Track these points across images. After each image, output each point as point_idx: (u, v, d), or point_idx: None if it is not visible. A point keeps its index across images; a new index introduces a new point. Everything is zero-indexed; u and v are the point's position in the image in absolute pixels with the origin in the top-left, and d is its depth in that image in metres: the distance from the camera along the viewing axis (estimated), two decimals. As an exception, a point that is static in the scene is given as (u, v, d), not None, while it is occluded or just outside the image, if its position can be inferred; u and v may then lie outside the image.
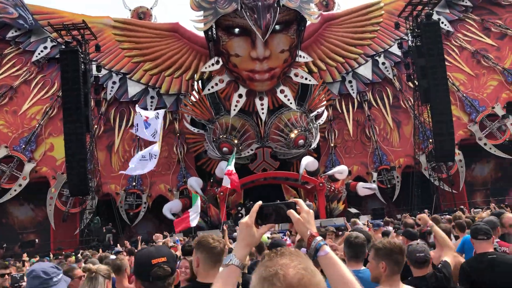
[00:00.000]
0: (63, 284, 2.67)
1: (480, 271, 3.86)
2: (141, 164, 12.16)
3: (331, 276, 1.63)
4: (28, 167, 22.89)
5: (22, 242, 21.54)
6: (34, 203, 23.99)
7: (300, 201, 1.82)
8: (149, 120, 11.86)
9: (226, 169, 16.52)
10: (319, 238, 1.71)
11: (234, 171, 16.22)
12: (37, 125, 23.30)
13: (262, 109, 21.36)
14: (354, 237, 3.74)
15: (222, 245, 2.77)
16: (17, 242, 22.02)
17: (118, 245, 14.05)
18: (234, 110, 21.27)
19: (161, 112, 12.29)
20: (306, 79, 22.11)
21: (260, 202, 1.83)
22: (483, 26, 25.94)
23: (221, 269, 1.82)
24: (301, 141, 21.72)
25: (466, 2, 25.88)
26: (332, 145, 24.74)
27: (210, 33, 20.86)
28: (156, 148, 13.52)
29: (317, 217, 20.51)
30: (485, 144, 24.71)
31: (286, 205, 1.81)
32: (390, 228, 7.86)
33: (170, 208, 22.12)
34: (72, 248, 19.03)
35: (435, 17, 23.99)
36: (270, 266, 1.32)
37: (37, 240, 21.84)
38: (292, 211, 1.77)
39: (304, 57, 22.18)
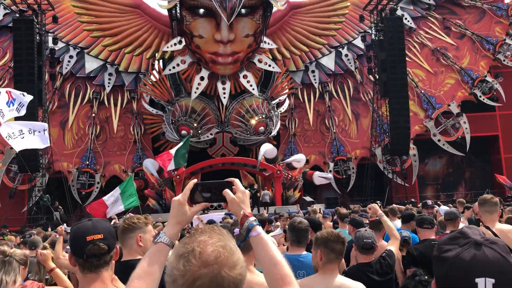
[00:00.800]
0: None
1: (425, 254, 4.03)
2: (34, 137, 10.59)
3: (261, 257, 1.59)
4: (-26, 140, 21.76)
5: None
6: (-21, 178, 22.90)
7: (236, 180, 1.75)
8: (14, 95, 10.56)
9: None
10: (252, 218, 1.64)
11: (172, 154, 15.81)
12: (-15, 96, 22.10)
13: (224, 93, 21.14)
14: (298, 222, 3.73)
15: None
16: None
17: (65, 224, 13.57)
18: (195, 92, 20.95)
19: (26, 99, 10.92)
20: (270, 66, 22.02)
21: (195, 180, 1.76)
22: (444, 25, 26.58)
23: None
24: (261, 128, 21.68)
25: (429, 0, 26.41)
26: (292, 133, 24.85)
27: (174, 11, 20.38)
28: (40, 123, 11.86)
29: (273, 204, 20.61)
30: (439, 140, 25.49)
31: (221, 184, 1.73)
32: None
33: (124, 189, 21.63)
34: (18, 226, 18.30)
35: (399, 12, 24.37)
36: (188, 243, 1.27)
37: (-20, 216, 20.89)
38: (227, 190, 1.70)
39: (268, 43, 22.05)
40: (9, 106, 10.17)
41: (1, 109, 10.11)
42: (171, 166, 14.93)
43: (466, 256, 1.17)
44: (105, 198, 11.56)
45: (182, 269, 1.23)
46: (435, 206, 8.76)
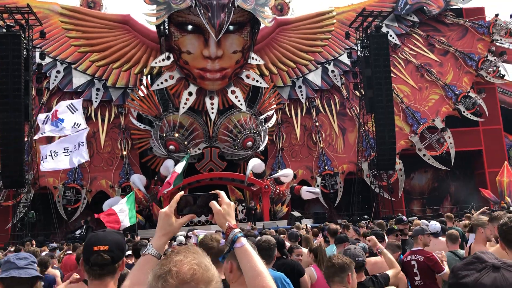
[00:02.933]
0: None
1: None
2: (65, 157, 10.61)
3: (244, 268, 1.67)
4: (-42, 155, 21.45)
5: None
6: (-37, 194, 22.53)
7: (222, 193, 1.84)
8: (61, 115, 10.59)
9: (174, 169, 16.20)
10: (236, 230, 1.73)
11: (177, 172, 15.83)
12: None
13: (212, 108, 21.23)
14: (263, 241, 3.84)
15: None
16: None
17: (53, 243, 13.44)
18: (184, 108, 21.00)
19: (76, 102, 10.97)
20: (257, 81, 22.20)
21: (181, 193, 1.84)
22: (428, 41, 27.15)
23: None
24: (249, 143, 21.77)
25: (413, 18, 27.00)
26: (280, 148, 24.98)
27: (162, 28, 20.48)
28: (83, 135, 11.80)
29: (260, 219, 20.62)
30: (424, 155, 25.84)
31: (207, 196, 1.82)
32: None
33: (111, 205, 21.40)
34: (1, 243, 18.00)
35: (384, 29, 24.88)
36: (165, 264, 1.33)
37: (-37, 233, 20.52)
38: (213, 202, 1.79)
39: (256, 59, 22.27)
40: (56, 126, 10.16)
41: (76, 123, 10.08)
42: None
43: (487, 280, 1.17)
44: (114, 208, 11.58)
45: None
46: (410, 222, 8.76)
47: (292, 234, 6.81)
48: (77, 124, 10.64)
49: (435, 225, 6.75)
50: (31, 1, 22.38)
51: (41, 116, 10.44)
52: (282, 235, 7.28)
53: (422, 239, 5.27)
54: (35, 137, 11.14)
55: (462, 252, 5.43)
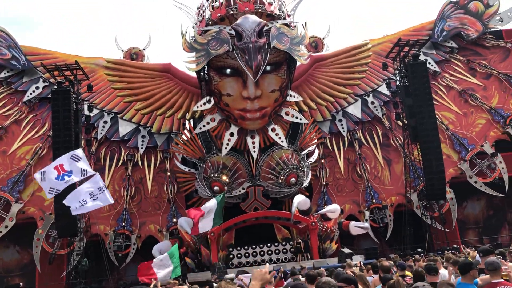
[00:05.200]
0: None
1: None
2: (92, 202, 10.80)
3: None
4: (15, 207, 22.48)
5: (7, 286, 20.85)
6: (20, 245, 23.44)
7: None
8: (68, 167, 10.66)
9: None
10: None
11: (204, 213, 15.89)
12: (26, 165, 23.06)
13: (254, 147, 21.40)
14: (323, 282, 3.47)
15: None
16: (2, 286, 21.32)
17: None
18: (226, 148, 21.28)
19: (77, 151, 11.06)
20: (297, 118, 22.30)
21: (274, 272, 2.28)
22: (468, 66, 26.61)
23: None
24: (292, 180, 21.66)
25: (451, 44, 26.65)
26: (324, 183, 24.70)
27: (202, 73, 21.12)
28: (99, 180, 11.80)
29: (310, 257, 20.22)
30: (475, 182, 24.83)
31: None
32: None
33: (160, 249, 21.61)
34: (58, 292, 18.46)
35: (422, 57, 24.64)
36: None
37: (21, 283, 21.20)
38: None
39: (294, 96, 22.45)
40: (62, 179, 10.41)
41: (52, 188, 10.35)
42: (207, 226, 14.88)
43: None
44: (154, 262, 11.71)
45: None
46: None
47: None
48: (84, 170, 10.83)
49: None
50: (79, 57, 23.80)
51: (37, 176, 10.56)
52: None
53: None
54: (49, 197, 11.20)
55: None
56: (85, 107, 22.86)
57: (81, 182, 11.21)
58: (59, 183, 10.36)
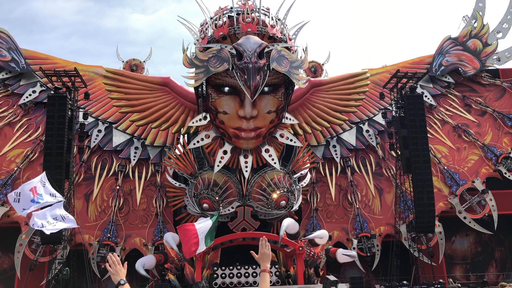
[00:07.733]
0: None
1: None
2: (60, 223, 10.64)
3: None
4: (0, 210, 22.18)
5: (-17, 290, 20.40)
6: (1, 250, 23.05)
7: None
8: (39, 190, 10.61)
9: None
10: None
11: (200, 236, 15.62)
12: (15, 168, 22.83)
13: (246, 167, 21.35)
14: None
15: None
16: (-22, 290, 20.88)
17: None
18: (218, 166, 21.21)
19: (42, 175, 11.03)
20: (291, 140, 22.33)
21: None
22: (464, 102, 26.90)
23: None
24: (283, 202, 21.56)
25: (448, 79, 26.99)
26: (314, 208, 24.58)
27: (200, 89, 21.20)
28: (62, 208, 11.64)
29: (294, 282, 19.96)
30: (464, 217, 24.83)
31: None
32: None
33: (143, 263, 21.27)
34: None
35: (419, 90, 24.90)
36: None
37: (-1, 289, 20.74)
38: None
39: (290, 119, 22.53)
40: (37, 202, 10.21)
41: (25, 209, 10.11)
42: (201, 247, 14.61)
43: None
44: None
45: None
46: None
47: None
48: (53, 194, 10.77)
49: None
50: (78, 65, 23.84)
51: (11, 196, 10.38)
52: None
53: None
54: (20, 214, 10.92)
55: None
56: (80, 114, 22.78)
57: (49, 205, 11.08)
58: (34, 205, 10.21)
